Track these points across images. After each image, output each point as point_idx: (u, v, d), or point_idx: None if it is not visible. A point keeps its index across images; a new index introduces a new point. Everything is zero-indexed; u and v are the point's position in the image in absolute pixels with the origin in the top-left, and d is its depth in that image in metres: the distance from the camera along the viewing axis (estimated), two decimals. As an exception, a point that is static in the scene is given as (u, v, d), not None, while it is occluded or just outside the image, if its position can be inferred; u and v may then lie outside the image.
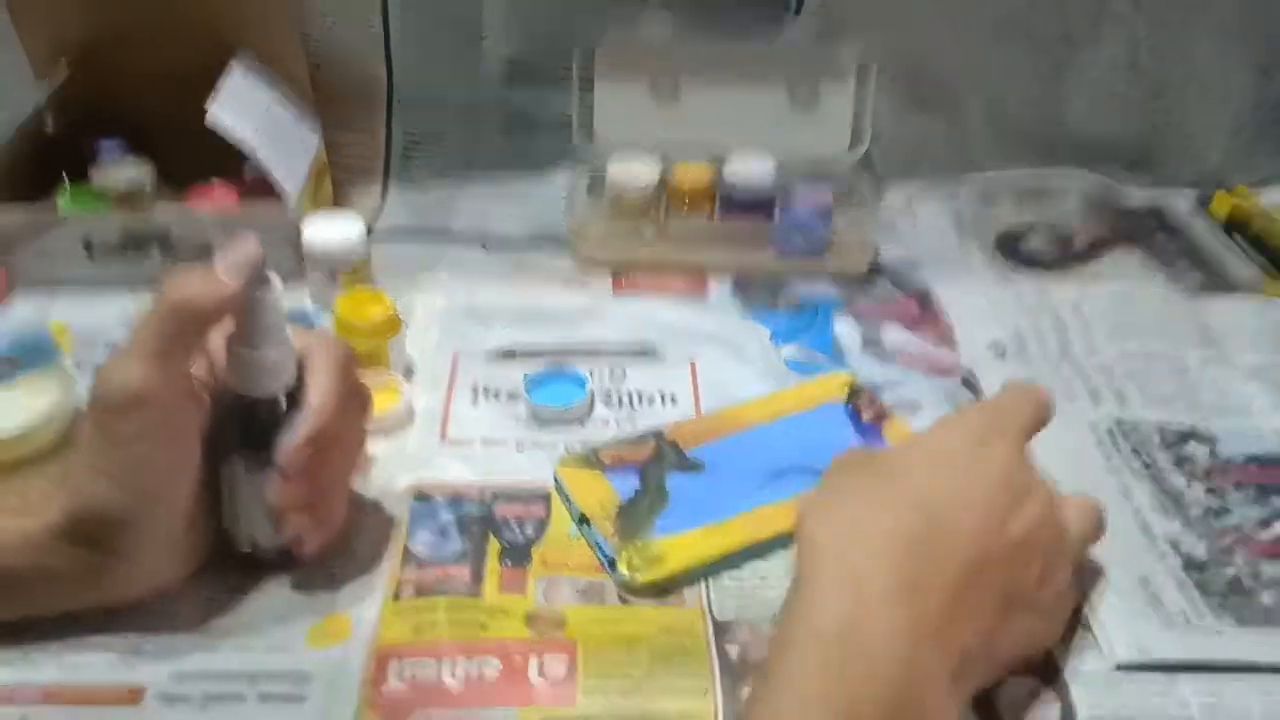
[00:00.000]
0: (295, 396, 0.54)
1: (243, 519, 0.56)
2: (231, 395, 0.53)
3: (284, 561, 0.58)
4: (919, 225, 0.93)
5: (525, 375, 0.72)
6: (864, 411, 0.67)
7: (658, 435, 0.67)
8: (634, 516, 0.61)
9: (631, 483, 0.63)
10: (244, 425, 0.53)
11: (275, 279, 0.51)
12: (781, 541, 0.59)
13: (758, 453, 0.65)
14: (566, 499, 0.63)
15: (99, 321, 0.76)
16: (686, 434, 0.67)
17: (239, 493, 0.55)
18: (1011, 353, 0.77)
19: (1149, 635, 0.55)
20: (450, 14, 0.90)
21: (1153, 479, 0.66)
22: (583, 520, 0.61)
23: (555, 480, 0.64)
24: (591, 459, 0.65)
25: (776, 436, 0.66)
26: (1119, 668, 0.53)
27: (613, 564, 0.58)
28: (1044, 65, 0.94)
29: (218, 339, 0.53)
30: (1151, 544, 0.61)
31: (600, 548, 0.59)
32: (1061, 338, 0.78)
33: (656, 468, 0.64)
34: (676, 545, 0.59)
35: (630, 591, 0.57)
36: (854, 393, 0.69)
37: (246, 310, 0.51)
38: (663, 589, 0.57)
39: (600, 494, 0.62)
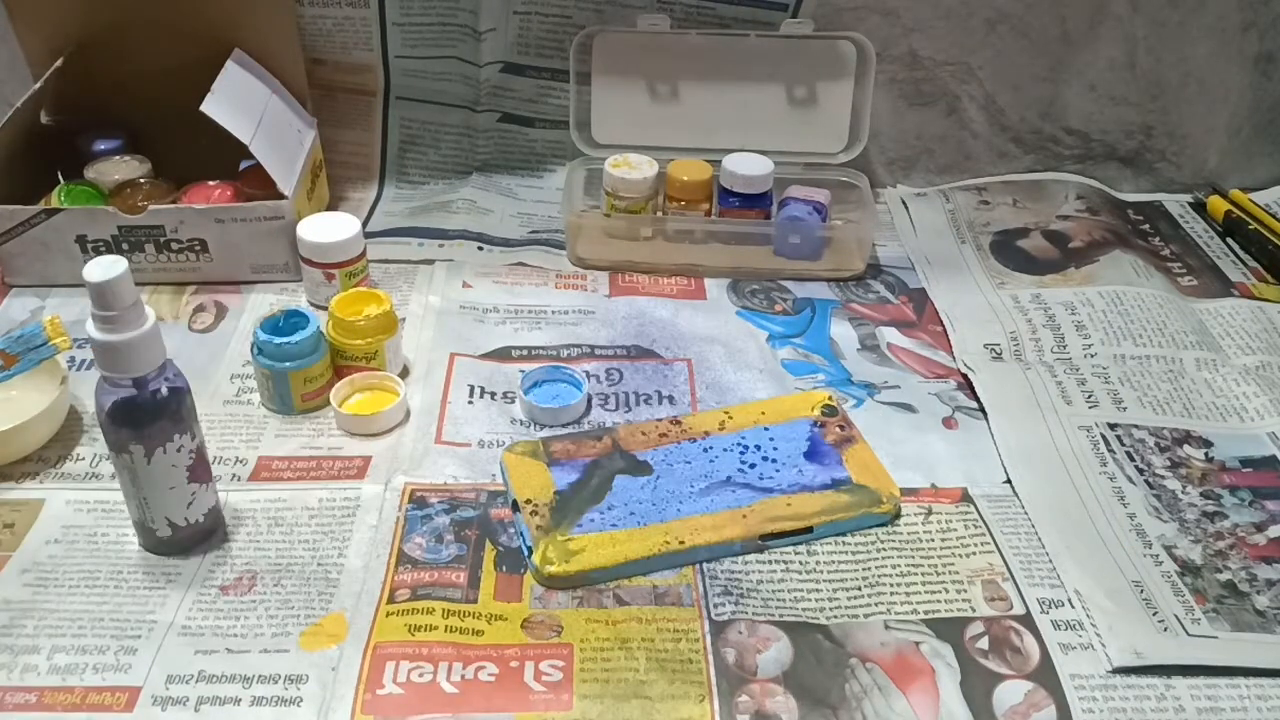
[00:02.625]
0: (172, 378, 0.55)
1: (152, 504, 0.57)
2: (109, 390, 0.54)
3: (213, 526, 0.60)
4: (916, 227, 0.93)
5: (522, 375, 0.72)
6: (829, 434, 0.67)
7: (611, 434, 0.67)
8: (564, 510, 0.61)
9: (575, 477, 0.64)
10: (129, 413, 0.54)
11: (123, 261, 0.50)
12: (704, 551, 0.59)
13: (707, 462, 0.65)
14: (506, 485, 0.63)
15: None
16: (640, 436, 0.67)
17: (143, 479, 0.56)
18: (1007, 355, 0.77)
19: (1144, 640, 0.55)
20: (447, 12, 0.90)
21: (1147, 482, 0.66)
22: (515, 507, 0.62)
23: (500, 466, 0.65)
24: (539, 450, 0.65)
25: (732, 447, 0.66)
26: (1114, 671, 0.54)
27: (530, 552, 0.59)
28: (1041, 65, 0.94)
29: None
30: (1146, 548, 0.61)
31: (523, 536, 0.60)
32: (1057, 339, 0.78)
33: (602, 465, 0.64)
34: (595, 543, 0.59)
35: (540, 582, 0.58)
36: (826, 412, 0.69)
37: (101, 298, 0.50)
38: (573, 583, 0.58)
39: (538, 484, 0.63)
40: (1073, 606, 0.57)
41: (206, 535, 0.60)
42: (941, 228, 0.93)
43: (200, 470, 0.58)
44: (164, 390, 0.54)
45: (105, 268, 0.50)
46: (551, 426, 0.69)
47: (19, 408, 0.64)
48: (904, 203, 0.96)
